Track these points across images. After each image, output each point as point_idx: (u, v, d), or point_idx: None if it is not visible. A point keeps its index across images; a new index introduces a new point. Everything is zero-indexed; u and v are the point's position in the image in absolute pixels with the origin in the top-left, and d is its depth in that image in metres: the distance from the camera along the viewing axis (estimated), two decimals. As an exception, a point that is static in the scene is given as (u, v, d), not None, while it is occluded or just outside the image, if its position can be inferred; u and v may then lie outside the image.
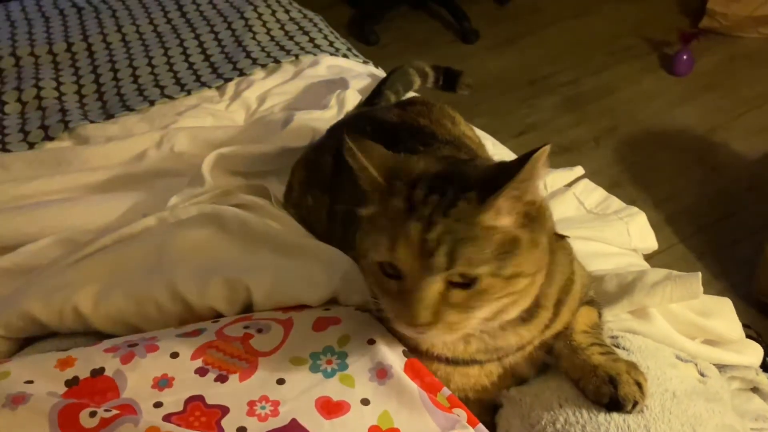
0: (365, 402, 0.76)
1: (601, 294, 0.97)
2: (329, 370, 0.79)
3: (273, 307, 0.90)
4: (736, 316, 1.04)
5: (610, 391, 0.78)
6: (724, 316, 1.02)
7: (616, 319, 0.96)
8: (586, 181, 1.33)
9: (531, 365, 0.85)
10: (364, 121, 1.11)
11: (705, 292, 1.01)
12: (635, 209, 1.27)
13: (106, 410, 0.69)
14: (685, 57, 2.70)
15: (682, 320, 0.98)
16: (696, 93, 2.65)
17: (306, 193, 1.10)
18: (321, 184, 1.07)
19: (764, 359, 1.58)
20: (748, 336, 1.31)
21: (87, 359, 0.78)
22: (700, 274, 0.97)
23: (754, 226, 2.03)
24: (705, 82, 2.69)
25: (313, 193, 1.08)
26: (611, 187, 2.25)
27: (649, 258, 1.29)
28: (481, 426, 0.77)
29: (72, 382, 0.75)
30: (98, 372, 0.76)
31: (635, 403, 0.78)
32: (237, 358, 0.79)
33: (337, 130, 1.17)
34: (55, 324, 0.93)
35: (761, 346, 1.55)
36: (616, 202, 1.29)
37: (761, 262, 1.79)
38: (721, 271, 1.95)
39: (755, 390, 1.03)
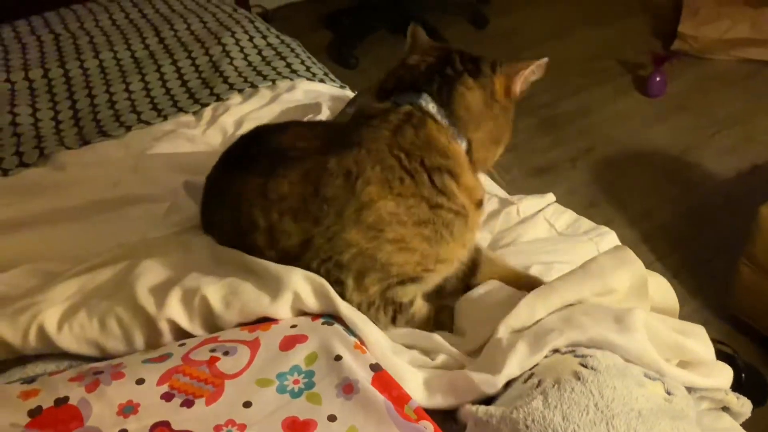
0: (332, 418, 0.76)
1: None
2: (296, 389, 0.79)
3: (236, 317, 0.90)
4: (709, 340, 1.03)
5: None
6: (698, 339, 1.01)
7: (596, 326, 0.89)
8: (556, 205, 1.36)
9: None
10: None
11: (681, 310, 1.00)
12: (605, 229, 1.28)
13: (68, 438, 0.69)
14: (658, 79, 2.76)
15: (664, 338, 0.93)
16: (669, 114, 2.70)
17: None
18: None
19: (740, 376, 1.60)
20: (724, 353, 1.31)
21: (51, 389, 0.77)
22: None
23: (727, 243, 2.05)
24: (678, 103, 2.75)
25: None
26: (588, 207, 2.31)
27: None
28: (446, 438, 0.77)
29: (35, 412, 0.74)
30: (62, 401, 0.75)
31: None
32: (203, 382, 0.78)
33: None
34: (18, 344, 0.92)
35: (736, 362, 1.56)
36: (586, 223, 1.31)
37: (735, 279, 1.81)
38: (696, 288, 1.97)
39: (725, 409, 1.03)
